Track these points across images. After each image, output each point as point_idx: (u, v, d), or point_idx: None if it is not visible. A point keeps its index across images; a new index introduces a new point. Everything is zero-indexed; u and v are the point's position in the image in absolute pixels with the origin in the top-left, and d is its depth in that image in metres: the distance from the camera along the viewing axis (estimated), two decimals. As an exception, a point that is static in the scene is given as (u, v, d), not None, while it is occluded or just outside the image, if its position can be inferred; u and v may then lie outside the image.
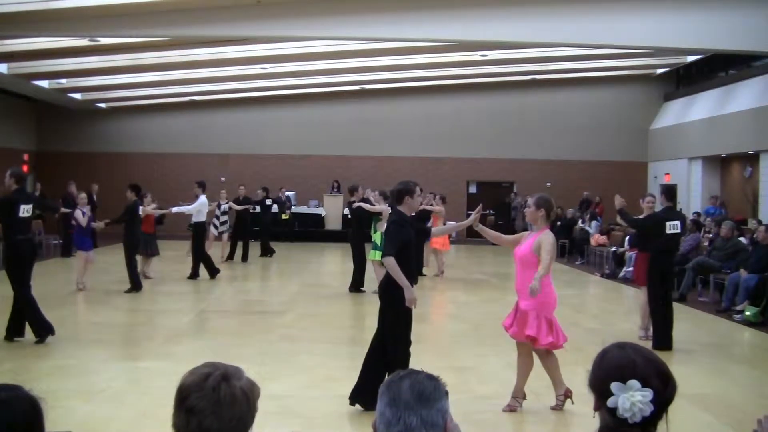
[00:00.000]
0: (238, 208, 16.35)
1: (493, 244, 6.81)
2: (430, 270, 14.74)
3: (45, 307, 9.24)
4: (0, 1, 11.65)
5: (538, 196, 5.84)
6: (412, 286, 5.57)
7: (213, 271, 13.55)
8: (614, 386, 1.84)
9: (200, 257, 13.49)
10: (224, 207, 15.92)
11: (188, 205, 14.37)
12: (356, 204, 12.22)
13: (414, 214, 6.07)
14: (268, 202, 18.32)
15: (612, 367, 1.89)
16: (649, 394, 1.83)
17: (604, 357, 1.95)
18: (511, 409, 5.76)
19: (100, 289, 11.78)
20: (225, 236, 16.30)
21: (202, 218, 13.73)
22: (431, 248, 14.62)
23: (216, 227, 15.84)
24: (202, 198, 13.72)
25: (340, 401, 5.89)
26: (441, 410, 1.72)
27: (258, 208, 17.61)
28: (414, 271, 5.82)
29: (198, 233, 13.69)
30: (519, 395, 5.82)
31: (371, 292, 11.85)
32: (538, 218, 5.70)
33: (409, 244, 5.64)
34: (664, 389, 1.86)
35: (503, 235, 6.35)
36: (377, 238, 11.06)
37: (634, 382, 1.83)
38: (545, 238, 5.58)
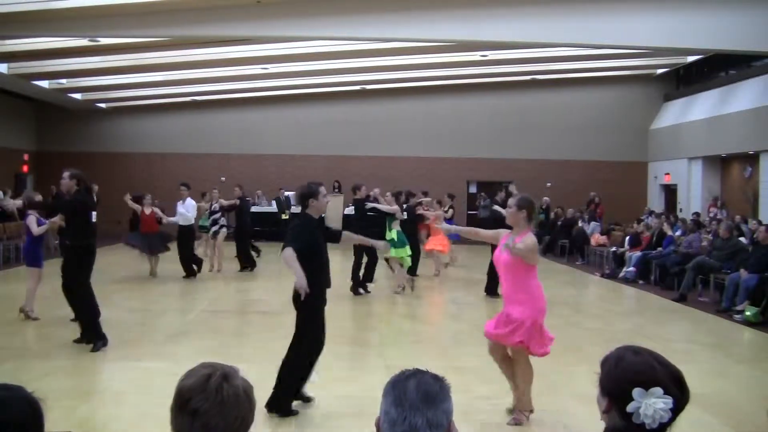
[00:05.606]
0: (225, 203, 15.51)
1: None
2: (428, 270, 14.73)
3: (47, 306, 9.25)
4: (0, 1, 11.66)
5: (520, 196, 5.48)
6: (325, 298, 5.66)
7: (196, 269, 14.06)
8: (636, 392, 1.84)
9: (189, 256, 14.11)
10: (215, 206, 15.52)
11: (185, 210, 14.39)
12: (370, 204, 12.34)
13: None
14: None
15: (632, 372, 1.88)
16: (670, 402, 1.84)
17: (620, 361, 1.93)
18: (516, 422, 5.37)
19: (99, 289, 11.73)
20: (220, 237, 15.86)
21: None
22: (427, 251, 14.62)
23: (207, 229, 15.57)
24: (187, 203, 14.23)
25: (340, 401, 5.90)
26: (446, 411, 1.70)
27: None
28: (329, 279, 5.80)
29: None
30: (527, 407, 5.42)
31: (392, 292, 11.95)
32: (519, 220, 5.33)
33: (318, 250, 5.53)
34: (681, 397, 1.88)
35: (481, 230, 6.04)
36: (393, 235, 11.68)
37: (657, 390, 1.84)
38: (526, 239, 5.25)
